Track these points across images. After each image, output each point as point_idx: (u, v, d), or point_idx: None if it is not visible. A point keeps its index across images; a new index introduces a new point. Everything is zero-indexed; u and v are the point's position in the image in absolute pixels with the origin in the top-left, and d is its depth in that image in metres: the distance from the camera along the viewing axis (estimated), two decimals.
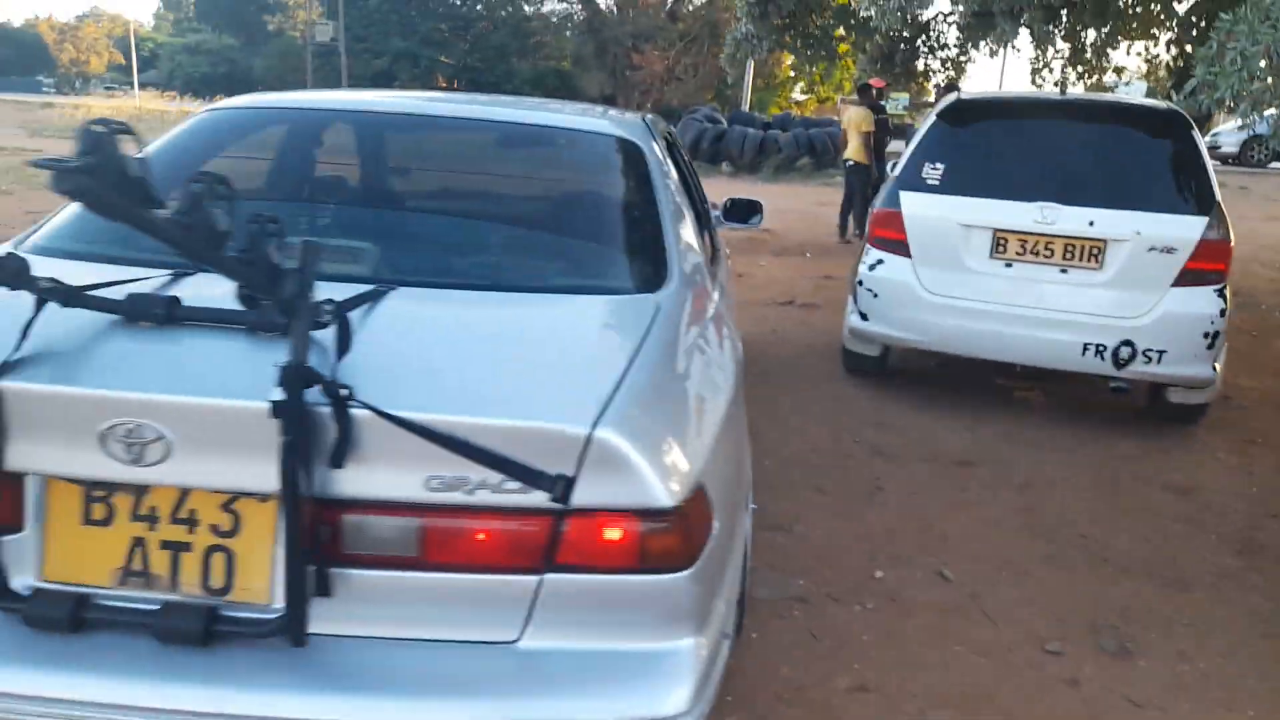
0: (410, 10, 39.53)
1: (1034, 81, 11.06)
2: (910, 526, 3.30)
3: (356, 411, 1.35)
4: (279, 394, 1.33)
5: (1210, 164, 4.24)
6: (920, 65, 10.92)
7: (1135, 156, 4.30)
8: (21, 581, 1.44)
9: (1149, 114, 4.64)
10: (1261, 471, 4.05)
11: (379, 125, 2.65)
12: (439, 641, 1.44)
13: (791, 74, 32.37)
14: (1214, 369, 4.18)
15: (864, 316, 4.63)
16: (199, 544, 1.43)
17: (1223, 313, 4.12)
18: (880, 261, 4.54)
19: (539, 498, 1.37)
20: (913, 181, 4.51)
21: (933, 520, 3.36)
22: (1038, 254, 4.27)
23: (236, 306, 1.52)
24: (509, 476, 1.37)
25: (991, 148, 4.54)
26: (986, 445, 4.17)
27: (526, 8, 40.80)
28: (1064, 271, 4.25)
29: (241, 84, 38.39)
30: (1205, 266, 4.10)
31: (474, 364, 1.58)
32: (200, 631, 1.39)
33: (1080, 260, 4.22)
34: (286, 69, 40.33)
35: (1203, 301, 4.10)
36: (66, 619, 1.40)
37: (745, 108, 23.86)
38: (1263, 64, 3.90)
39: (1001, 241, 4.31)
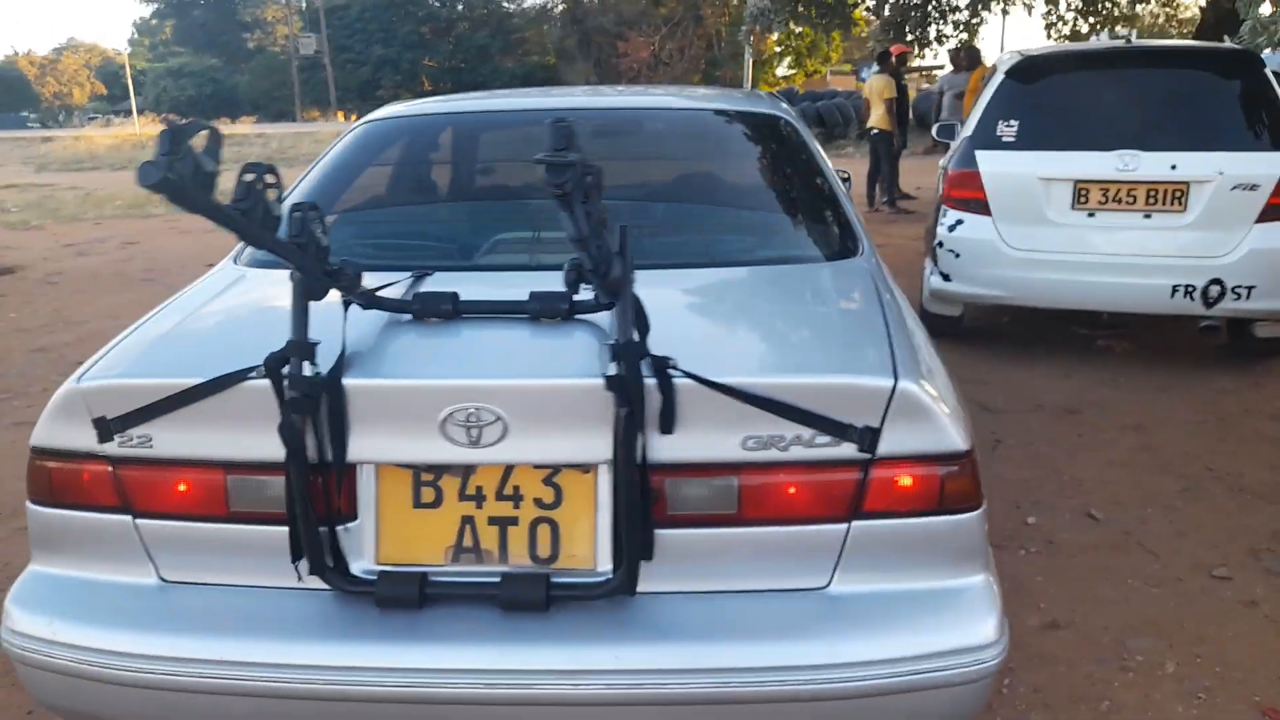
0: (390, 16, 39.45)
1: (1049, 35, 11.10)
2: (1042, 474, 3.39)
3: (680, 381, 1.42)
4: (614, 369, 1.40)
5: None
6: (933, 31, 10.98)
7: (1210, 97, 4.37)
8: (359, 566, 1.52)
9: (1218, 55, 4.71)
10: None
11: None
12: (753, 592, 1.52)
13: (777, 50, 32.48)
14: None
15: (946, 277, 4.70)
16: (525, 518, 1.51)
17: None
18: (960, 222, 4.61)
19: (848, 450, 1.45)
20: (988, 140, 4.58)
21: (1061, 466, 3.45)
22: (1120, 201, 4.35)
23: (494, 298, 1.64)
24: (820, 431, 1.45)
25: (1064, 101, 4.60)
26: (1087, 392, 4.25)
27: (506, 4, 40.70)
28: (1148, 217, 4.33)
29: (228, 103, 38.31)
30: None
31: (754, 331, 1.66)
32: (542, 599, 1.47)
33: (1164, 204, 4.30)
34: (272, 85, 40.25)
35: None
36: (414, 597, 1.48)
37: (748, 86, 23.87)
38: None
39: (1083, 192, 4.38)
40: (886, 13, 10.64)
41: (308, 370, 1.45)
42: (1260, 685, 2.21)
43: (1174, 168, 4.24)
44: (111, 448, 1.53)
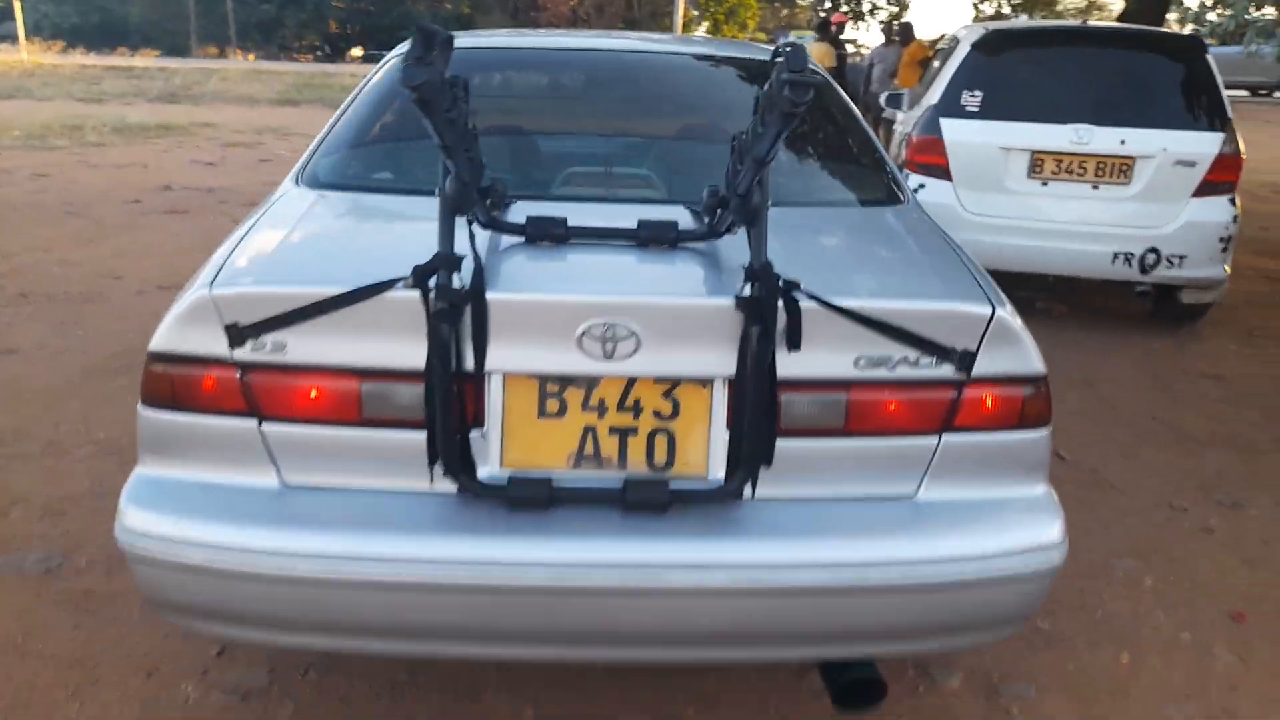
0: None
1: (977, 16, 11.52)
2: None
3: (805, 304, 1.56)
4: (748, 290, 1.53)
5: (1222, 83, 4.68)
6: (866, 3, 11.25)
7: (1159, 79, 4.72)
8: (485, 471, 1.61)
9: (1168, 39, 5.06)
10: (1273, 358, 4.58)
11: (616, 65, 2.77)
12: (849, 499, 1.68)
13: (695, 14, 32.43)
14: (1225, 270, 4.68)
15: None
16: (644, 428, 1.62)
17: (1235, 219, 4.60)
18: (922, 186, 4.85)
19: (946, 370, 1.62)
20: (952, 109, 4.82)
21: None
22: (1071, 173, 4.66)
23: (599, 225, 1.74)
24: (924, 353, 1.60)
25: (1026, 75, 4.88)
26: None
27: None
28: (1095, 188, 4.65)
29: (116, 34, 35.98)
30: (1221, 178, 4.57)
31: (851, 262, 1.80)
32: (663, 502, 1.58)
33: (1110, 177, 4.63)
34: (164, 16, 37.96)
35: (1219, 210, 4.58)
36: (543, 498, 1.58)
37: None
38: None
39: (1039, 162, 4.68)
40: None
41: (455, 283, 1.52)
42: (1226, 596, 2.51)
43: (1123, 143, 4.57)
44: (243, 353, 1.56)
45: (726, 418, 1.60)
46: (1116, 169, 4.62)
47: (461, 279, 1.54)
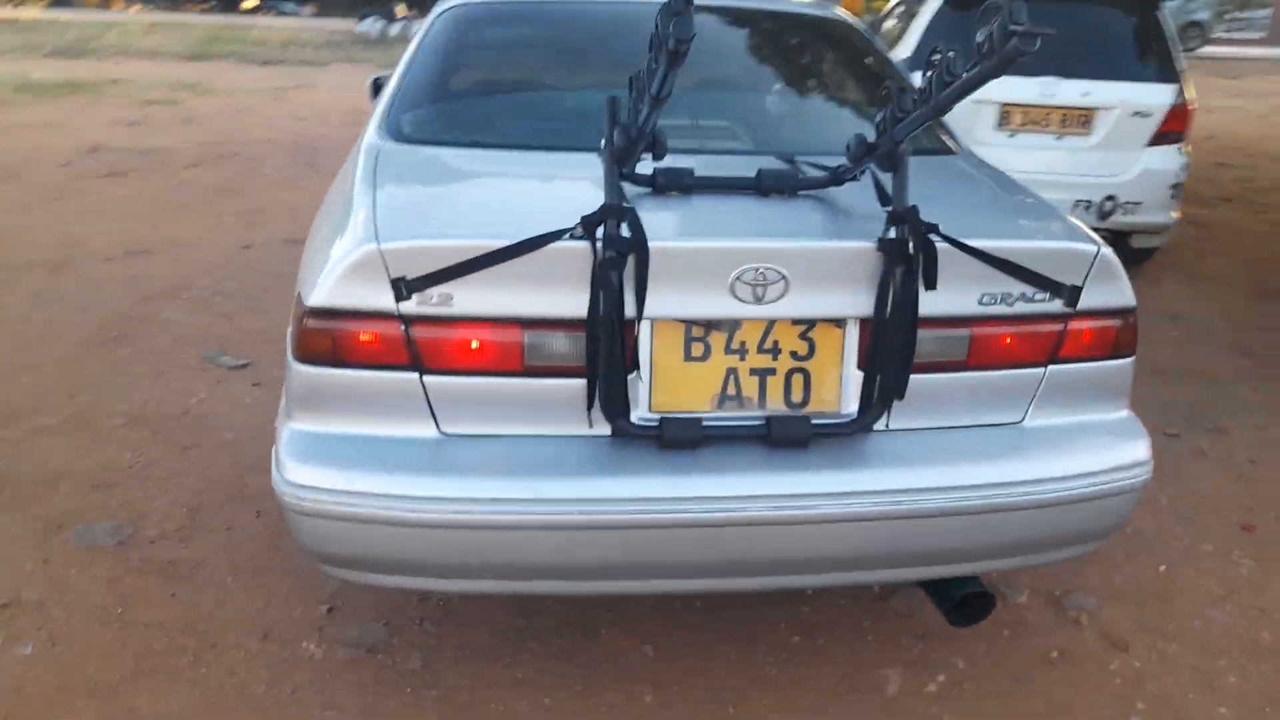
0: None
1: None
2: None
3: (940, 244, 1.67)
4: (893, 232, 1.64)
5: (1174, 37, 4.96)
6: None
7: (1117, 33, 4.97)
8: (636, 414, 1.68)
9: None
10: (1218, 298, 4.94)
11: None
12: (964, 428, 1.82)
13: None
14: (1174, 215, 5.01)
15: None
16: (781, 368, 1.72)
17: (1184, 167, 4.92)
18: None
19: (1056, 305, 1.76)
20: (925, 62, 4.97)
21: None
22: (1037, 124, 4.89)
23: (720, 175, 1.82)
24: (1040, 289, 1.74)
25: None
26: None
27: None
28: (1059, 139, 4.90)
29: None
30: (1173, 128, 4.86)
31: (959, 206, 1.93)
32: (806, 437, 1.70)
33: (1073, 128, 4.87)
34: None
35: (1171, 158, 4.88)
36: (693, 438, 1.67)
37: None
38: None
39: (1007, 114, 4.89)
40: None
41: (625, 231, 1.57)
42: (1232, 510, 2.78)
43: (1085, 95, 4.81)
44: (409, 307, 1.58)
45: (858, 355, 1.72)
46: (1078, 120, 4.86)
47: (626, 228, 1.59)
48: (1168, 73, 4.87)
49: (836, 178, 1.82)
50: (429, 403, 1.66)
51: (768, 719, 1.92)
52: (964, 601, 1.87)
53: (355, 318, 1.60)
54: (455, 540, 1.61)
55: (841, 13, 2.97)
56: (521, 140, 2.25)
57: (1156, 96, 4.82)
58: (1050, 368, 1.82)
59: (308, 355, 1.64)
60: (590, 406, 1.66)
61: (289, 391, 1.71)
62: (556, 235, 1.57)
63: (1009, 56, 1.35)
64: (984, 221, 1.86)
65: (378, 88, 4.08)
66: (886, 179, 1.76)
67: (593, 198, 1.64)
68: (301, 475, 1.62)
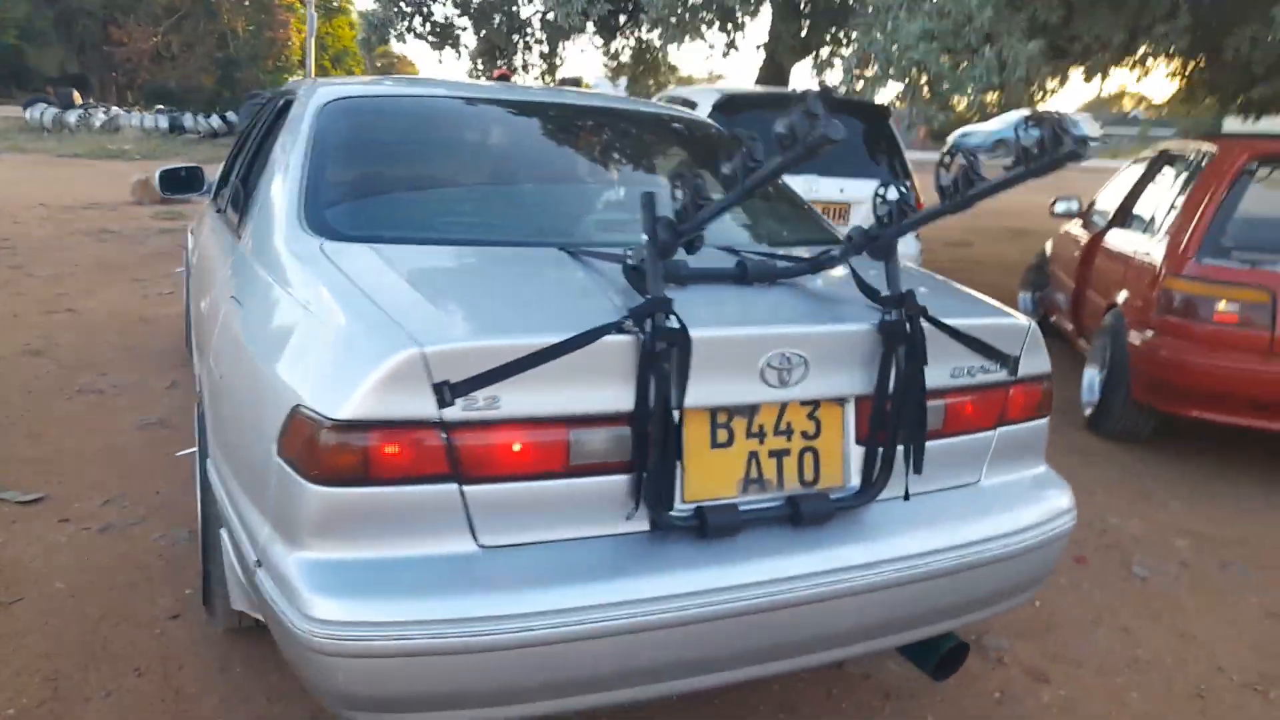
0: None
1: (614, 82, 12.56)
2: None
3: (926, 325, 1.83)
4: (893, 315, 1.77)
5: (901, 143, 5.76)
6: (520, 60, 11.78)
7: (860, 139, 5.67)
8: (674, 505, 1.66)
9: (865, 107, 6.06)
10: None
11: (550, 114, 2.80)
12: (940, 490, 1.95)
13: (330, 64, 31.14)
14: None
15: None
16: (794, 448, 1.77)
17: (920, 250, 5.66)
18: None
19: (1003, 374, 1.99)
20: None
21: None
22: None
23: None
24: (992, 360, 1.95)
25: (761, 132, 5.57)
26: None
27: None
28: None
29: None
30: None
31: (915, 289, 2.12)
32: (828, 513, 1.76)
33: (833, 218, 5.46)
34: None
35: (910, 243, 5.60)
36: (731, 525, 1.67)
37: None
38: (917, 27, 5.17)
39: None
40: (483, 35, 11.21)
41: (673, 323, 1.57)
42: None
43: (841, 190, 5.43)
44: (452, 413, 1.47)
45: (856, 431, 1.81)
46: (838, 212, 5.47)
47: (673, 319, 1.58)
48: (901, 172, 5.64)
49: (817, 264, 1.93)
50: (468, 515, 1.53)
51: None
52: (947, 655, 1.99)
53: (390, 428, 1.45)
54: (512, 661, 1.48)
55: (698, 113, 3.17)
56: (473, 236, 2.18)
57: (893, 192, 5.54)
58: (999, 430, 2.02)
59: (329, 475, 1.45)
60: (638, 502, 1.61)
61: (292, 518, 1.49)
62: (608, 329, 1.53)
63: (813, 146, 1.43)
64: (941, 304, 2.05)
65: (173, 180, 3.72)
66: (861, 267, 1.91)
67: (595, 290, 1.67)
68: (333, 611, 1.42)
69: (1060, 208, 6.01)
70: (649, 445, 1.57)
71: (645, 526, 1.64)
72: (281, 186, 2.19)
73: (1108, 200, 5.65)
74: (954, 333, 1.85)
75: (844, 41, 8.88)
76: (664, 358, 1.56)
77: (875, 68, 5.27)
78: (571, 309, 1.68)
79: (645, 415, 1.57)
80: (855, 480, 1.82)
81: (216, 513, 1.92)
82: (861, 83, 5.79)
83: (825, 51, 8.93)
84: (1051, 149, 1.52)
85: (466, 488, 1.51)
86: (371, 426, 1.44)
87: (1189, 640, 2.60)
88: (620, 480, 1.60)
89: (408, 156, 2.50)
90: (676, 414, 1.62)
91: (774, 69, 10.05)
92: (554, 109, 2.85)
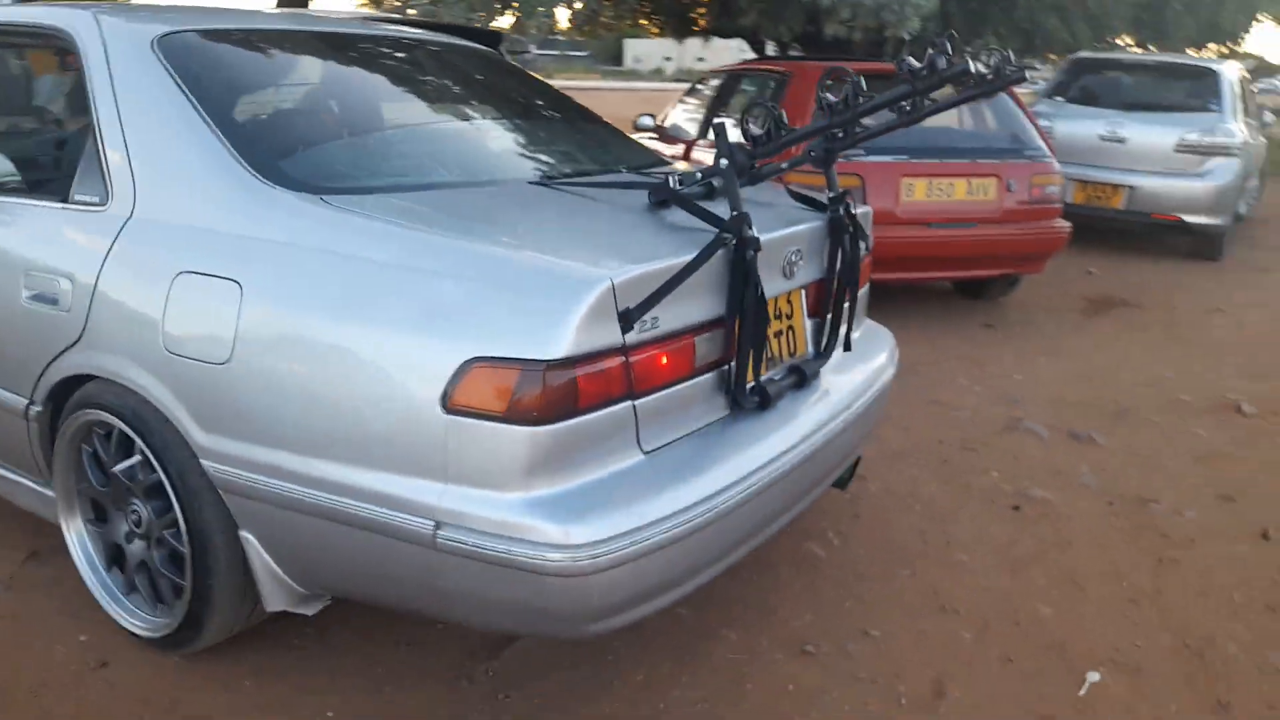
0: None
1: None
2: None
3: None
4: (836, 212, 2.13)
5: None
6: None
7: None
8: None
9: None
10: None
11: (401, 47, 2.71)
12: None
13: None
14: None
15: None
16: (784, 328, 2.10)
17: None
18: None
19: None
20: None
21: None
22: None
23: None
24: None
25: None
26: None
27: None
28: None
29: None
30: None
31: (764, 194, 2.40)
32: (815, 373, 2.15)
33: None
34: None
35: None
36: (773, 397, 1.96)
37: None
38: None
39: None
40: None
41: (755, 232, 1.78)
42: None
43: None
44: (631, 336, 1.61)
45: (807, 309, 2.19)
46: None
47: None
48: None
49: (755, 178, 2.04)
50: (637, 427, 1.68)
51: None
52: (851, 469, 2.51)
53: (591, 359, 1.55)
54: (696, 543, 1.68)
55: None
56: (445, 179, 2.15)
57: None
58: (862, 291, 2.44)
59: (544, 414, 1.51)
60: (729, 388, 1.87)
61: (497, 465, 1.53)
62: (721, 242, 1.72)
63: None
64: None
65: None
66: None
67: (644, 215, 1.95)
68: (582, 534, 1.52)
69: (643, 122, 6.31)
70: (745, 338, 1.82)
71: (726, 411, 1.89)
72: (181, 141, 1.92)
73: (682, 117, 6.18)
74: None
75: None
76: (753, 263, 1.77)
77: None
78: (654, 233, 1.89)
79: (742, 312, 1.79)
80: (811, 347, 2.19)
81: (220, 519, 1.82)
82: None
83: None
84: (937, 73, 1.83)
85: (636, 403, 1.66)
86: (579, 360, 1.53)
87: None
88: (713, 375, 1.84)
89: (299, 99, 2.37)
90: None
91: None
92: (391, 41, 2.69)
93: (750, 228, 1.77)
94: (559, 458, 1.56)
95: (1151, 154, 6.89)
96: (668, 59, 59.12)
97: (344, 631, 2.16)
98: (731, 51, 12.44)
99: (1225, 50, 14.43)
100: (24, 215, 2.16)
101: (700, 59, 50.20)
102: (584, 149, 2.66)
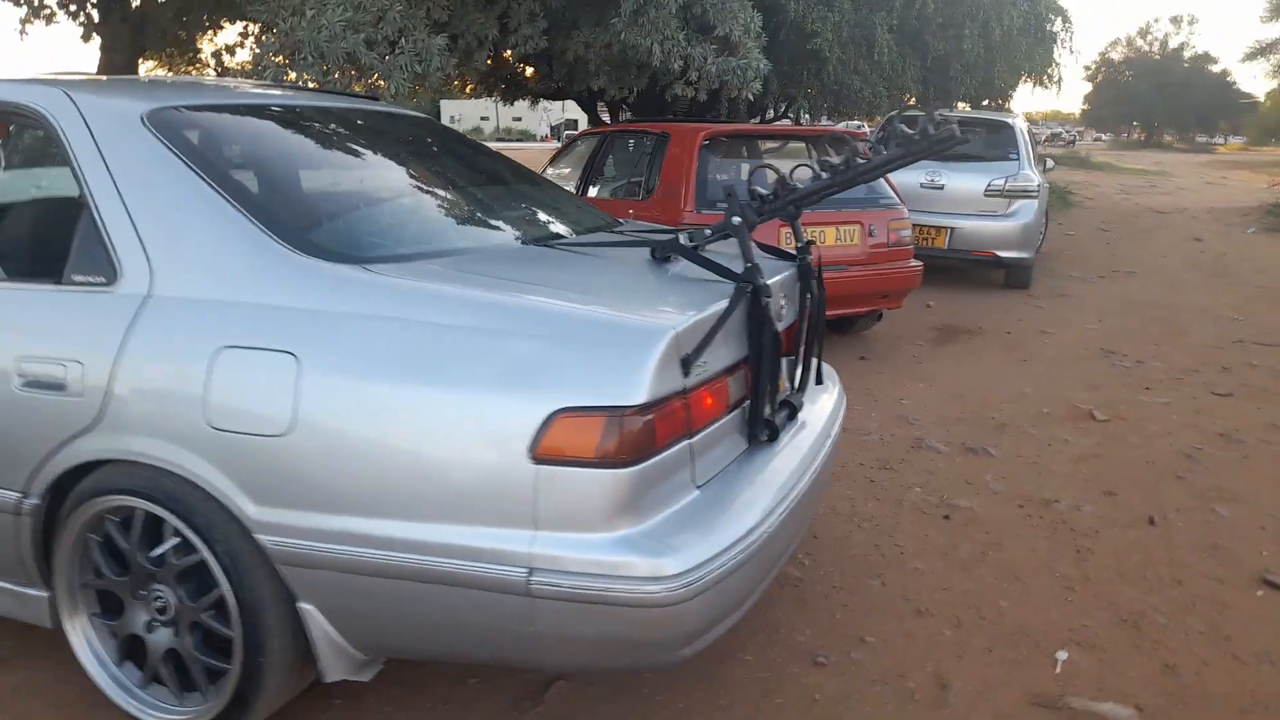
0: None
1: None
2: None
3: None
4: (804, 260, 2.32)
5: None
6: None
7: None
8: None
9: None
10: None
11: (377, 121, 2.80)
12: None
13: None
14: None
15: None
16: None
17: None
18: None
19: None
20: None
21: None
22: None
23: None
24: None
25: None
26: None
27: None
28: None
29: None
30: None
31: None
32: (800, 404, 2.34)
33: None
34: None
35: None
36: (778, 429, 2.14)
37: None
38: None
39: None
40: None
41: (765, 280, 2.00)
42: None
43: None
44: (690, 380, 1.76)
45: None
46: None
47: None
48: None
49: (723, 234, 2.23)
50: (693, 463, 1.81)
51: None
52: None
53: (662, 403, 1.68)
54: (759, 563, 1.84)
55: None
56: (462, 245, 2.24)
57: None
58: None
59: (629, 456, 1.63)
60: (752, 424, 2.06)
61: (587, 507, 1.63)
62: (746, 292, 1.94)
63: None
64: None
65: None
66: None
67: (656, 270, 2.13)
68: (675, 565, 1.63)
69: None
70: (763, 376, 2.01)
71: (745, 444, 2.06)
72: (197, 216, 1.91)
73: (555, 176, 6.44)
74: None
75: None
76: (769, 308, 1.98)
77: (307, 55, 5.45)
78: (672, 286, 2.07)
79: (760, 352, 1.99)
80: (788, 383, 2.37)
81: (274, 594, 1.80)
82: (271, 69, 5.80)
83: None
84: (929, 138, 2.04)
85: (692, 441, 1.79)
86: (653, 405, 1.66)
87: None
88: (736, 413, 2.02)
89: (299, 171, 2.35)
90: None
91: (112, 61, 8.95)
92: (356, 112, 2.76)
93: (763, 277, 1.98)
94: (640, 496, 1.67)
95: (966, 198, 7.73)
96: (484, 119, 59.35)
97: (378, 696, 2.15)
98: (555, 112, 12.83)
99: (997, 104, 16.15)
100: (5, 301, 2.05)
101: (517, 119, 51.92)
102: (551, 210, 2.79)
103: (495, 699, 2.17)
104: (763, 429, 2.07)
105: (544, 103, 13.89)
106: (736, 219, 2.06)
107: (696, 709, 2.15)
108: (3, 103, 2.18)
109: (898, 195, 5.62)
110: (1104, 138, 68.53)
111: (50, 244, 2.06)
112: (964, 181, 7.75)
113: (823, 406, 2.52)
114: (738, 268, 2.00)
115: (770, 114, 13.32)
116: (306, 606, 1.81)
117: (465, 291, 1.83)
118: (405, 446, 1.69)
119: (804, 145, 5.98)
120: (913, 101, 13.65)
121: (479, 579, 1.66)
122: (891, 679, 2.28)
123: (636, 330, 1.73)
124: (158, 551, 1.90)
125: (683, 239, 2.14)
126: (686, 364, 1.73)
